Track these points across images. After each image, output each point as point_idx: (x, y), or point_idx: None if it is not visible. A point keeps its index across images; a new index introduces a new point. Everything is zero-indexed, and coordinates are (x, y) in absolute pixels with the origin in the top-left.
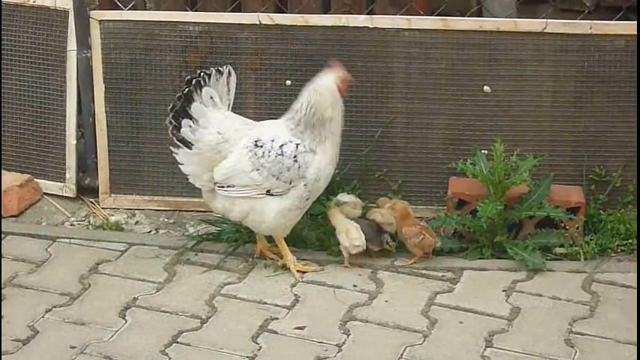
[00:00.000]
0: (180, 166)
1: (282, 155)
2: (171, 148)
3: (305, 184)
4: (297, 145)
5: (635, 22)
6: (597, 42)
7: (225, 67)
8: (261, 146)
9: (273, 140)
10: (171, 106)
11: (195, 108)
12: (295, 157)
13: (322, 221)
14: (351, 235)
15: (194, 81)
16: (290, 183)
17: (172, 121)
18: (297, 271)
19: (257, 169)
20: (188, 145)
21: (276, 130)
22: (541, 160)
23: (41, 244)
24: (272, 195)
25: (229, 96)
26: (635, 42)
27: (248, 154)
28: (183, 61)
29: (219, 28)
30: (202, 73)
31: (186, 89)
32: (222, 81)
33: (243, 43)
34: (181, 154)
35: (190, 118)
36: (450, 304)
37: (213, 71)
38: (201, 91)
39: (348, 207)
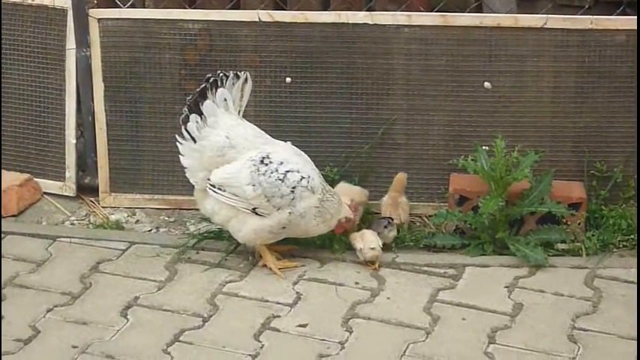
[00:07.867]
0: (180, 156)
1: (282, 181)
2: (176, 136)
3: (290, 213)
4: (303, 177)
5: (635, 17)
6: (598, 37)
7: (243, 72)
8: (267, 164)
9: (281, 163)
10: (190, 96)
11: (207, 106)
12: (294, 188)
13: None
14: (366, 239)
15: (211, 79)
16: (278, 209)
17: (186, 110)
18: (279, 268)
19: (253, 185)
20: (194, 139)
21: (291, 156)
22: (542, 155)
23: (41, 243)
24: (256, 214)
25: (242, 102)
26: (635, 37)
27: (251, 167)
28: (183, 59)
29: (218, 25)
30: (221, 74)
31: (203, 85)
32: (238, 86)
33: (242, 40)
34: (185, 146)
35: (200, 114)
36: (452, 301)
37: (231, 74)
38: (216, 90)
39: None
